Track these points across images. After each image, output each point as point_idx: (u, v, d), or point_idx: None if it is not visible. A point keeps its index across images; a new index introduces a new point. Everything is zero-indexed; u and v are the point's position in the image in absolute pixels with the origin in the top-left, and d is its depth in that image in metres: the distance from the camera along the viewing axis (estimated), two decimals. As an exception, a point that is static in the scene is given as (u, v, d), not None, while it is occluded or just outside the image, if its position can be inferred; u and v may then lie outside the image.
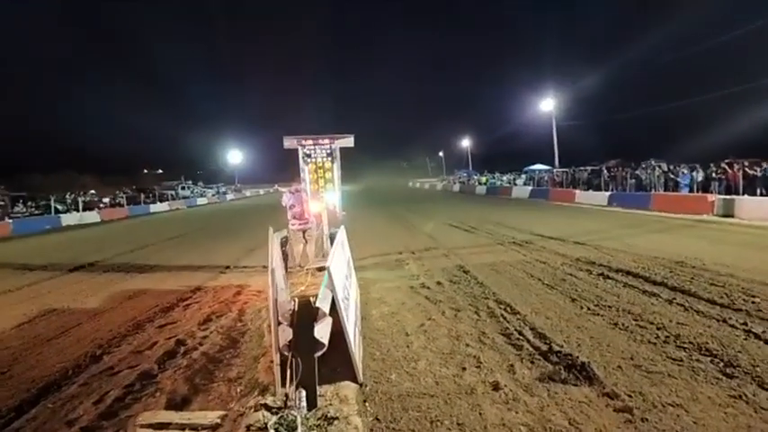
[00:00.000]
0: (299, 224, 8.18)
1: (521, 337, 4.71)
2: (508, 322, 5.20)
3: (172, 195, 42.71)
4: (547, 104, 37.50)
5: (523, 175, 40.58)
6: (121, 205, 32.29)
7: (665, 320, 5.05)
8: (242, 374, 4.08)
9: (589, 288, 6.60)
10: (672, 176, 20.27)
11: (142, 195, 37.49)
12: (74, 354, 4.79)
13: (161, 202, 37.66)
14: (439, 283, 7.24)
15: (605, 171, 25.59)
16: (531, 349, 4.39)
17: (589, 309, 5.61)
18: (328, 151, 8.35)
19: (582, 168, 30.60)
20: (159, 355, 4.54)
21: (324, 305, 3.22)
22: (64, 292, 7.85)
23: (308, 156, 8.30)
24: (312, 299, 3.22)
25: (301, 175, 8.28)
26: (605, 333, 4.77)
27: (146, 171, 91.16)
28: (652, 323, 5.00)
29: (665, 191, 19.88)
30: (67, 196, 31.76)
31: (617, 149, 46.67)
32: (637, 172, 22.69)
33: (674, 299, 5.81)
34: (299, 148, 8.27)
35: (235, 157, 67.18)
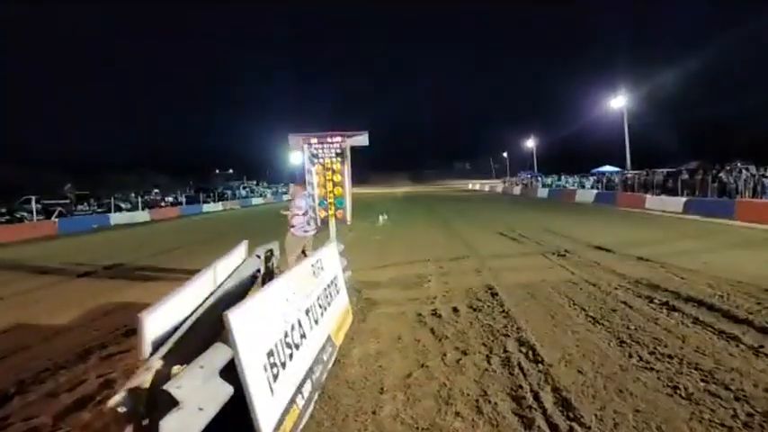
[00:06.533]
0: (300, 231, 7.43)
1: (534, 405, 3.38)
2: (525, 376, 3.87)
3: (231, 195, 43.73)
4: (618, 101, 34.50)
5: (591, 178, 37.76)
6: (179, 204, 33.20)
7: (747, 384, 3.54)
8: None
9: (646, 325, 5.09)
10: (762, 181, 17.62)
11: (201, 195, 38.58)
12: (-13, 390, 4.04)
13: (219, 201, 38.56)
14: (455, 309, 5.97)
15: (684, 174, 22.83)
16: (545, 430, 3.09)
17: (641, 359, 4.16)
18: (338, 151, 7.32)
19: (657, 171, 27.70)
20: (69, 403, 3.67)
21: (189, 381, 2.06)
22: (51, 303, 7.34)
23: (315, 156, 7.34)
24: (176, 369, 2.09)
25: (306, 177, 7.34)
26: (658, 403, 3.33)
27: (217, 171, 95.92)
28: (729, 388, 3.49)
29: (752, 197, 17.19)
30: (132, 195, 33.18)
31: (700, 151, 42.54)
32: (720, 175, 19.88)
33: (763, 346, 4.25)
34: (305, 146, 7.32)
35: (296, 158, 69.20)
